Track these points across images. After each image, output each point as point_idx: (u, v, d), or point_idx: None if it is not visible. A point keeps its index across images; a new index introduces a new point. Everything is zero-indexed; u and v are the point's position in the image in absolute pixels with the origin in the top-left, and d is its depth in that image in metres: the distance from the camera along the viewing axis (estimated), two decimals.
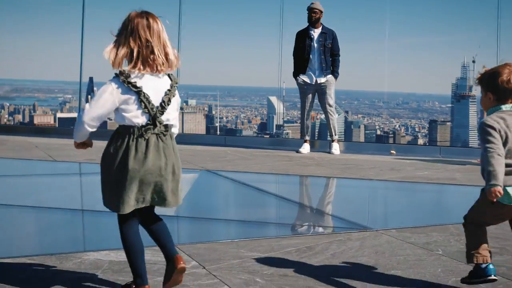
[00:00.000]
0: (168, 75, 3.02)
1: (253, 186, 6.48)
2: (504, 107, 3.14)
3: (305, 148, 9.05)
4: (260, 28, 15.98)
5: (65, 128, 11.64)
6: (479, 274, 3.20)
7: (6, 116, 16.57)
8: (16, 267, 3.55)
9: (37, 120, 16.23)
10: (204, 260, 3.84)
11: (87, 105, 2.90)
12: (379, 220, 5.54)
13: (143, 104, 2.88)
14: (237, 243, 4.26)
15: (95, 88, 15.52)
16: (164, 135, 2.96)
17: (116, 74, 2.90)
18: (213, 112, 15.82)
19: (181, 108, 14.48)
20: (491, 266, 3.18)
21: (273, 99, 14.60)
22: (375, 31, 16.15)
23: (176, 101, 3.04)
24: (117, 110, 2.91)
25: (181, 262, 3.05)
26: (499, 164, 2.98)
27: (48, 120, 16.07)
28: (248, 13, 16.14)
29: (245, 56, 16.83)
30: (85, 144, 3.08)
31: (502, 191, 2.97)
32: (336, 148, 9.07)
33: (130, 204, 2.92)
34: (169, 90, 2.98)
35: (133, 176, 2.88)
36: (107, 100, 2.87)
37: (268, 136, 13.86)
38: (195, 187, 6.62)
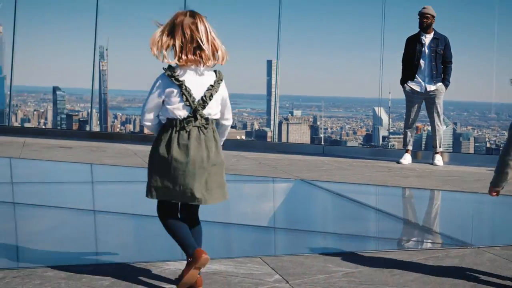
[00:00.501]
0: (215, 72, 3.14)
1: (347, 197, 6.21)
2: None
3: (406, 158, 8.64)
4: (362, 38, 15.51)
5: None
6: None
7: (119, 125, 17.05)
8: (99, 273, 3.51)
9: (147, 130, 16.66)
10: (288, 274, 3.66)
11: (143, 108, 3.14)
12: (482, 237, 5.12)
13: (184, 97, 3.04)
14: (325, 257, 4.04)
15: None
16: (205, 128, 3.09)
17: (164, 69, 3.09)
18: (318, 123, 15.61)
19: (286, 119, 14.46)
20: None
21: (379, 110, 14.22)
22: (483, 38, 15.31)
23: (220, 96, 3.15)
24: (163, 104, 3.09)
25: (204, 254, 3.10)
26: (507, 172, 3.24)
27: None
28: (350, 22, 15.72)
29: (348, 66, 16.42)
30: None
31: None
32: (439, 159, 8.60)
33: (177, 196, 3.07)
34: (211, 85, 3.10)
35: (176, 167, 3.03)
36: (154, 94, 3.09)
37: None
38: (288, 197, 6.46)
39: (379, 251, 4.32)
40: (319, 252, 4.17)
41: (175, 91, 3.06)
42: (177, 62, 3.04)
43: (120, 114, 16.74)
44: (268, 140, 13.13)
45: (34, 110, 16.63)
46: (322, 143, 14.47)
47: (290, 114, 14.74)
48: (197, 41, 3.01)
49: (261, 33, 15.74)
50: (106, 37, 15.18)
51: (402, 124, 9.47)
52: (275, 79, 13.00)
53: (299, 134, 14.87)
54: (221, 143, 3.28)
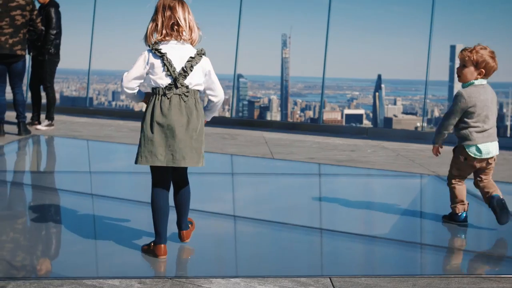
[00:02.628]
0: (203, 52, 3.45)
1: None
2: (477, 81, 4.12)
3: None
4: None
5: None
6: (456, 219, 4.31)
7: (298, 112, 16.97)
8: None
9: (325, 117, 16.44)
10: None
11: (125, 73, 3.41)
12: None
13: (166, 68, 3.35)
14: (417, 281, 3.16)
15: (382, 85, 15.33)
16: (186, 96, 3.35)
17: (148, 45, 3.42)
18: (504, 110, 14.02)
19: None
20: (465, 215, 4.29)
21: None
22: None
23: (200, 68, 3.42)
24: (147, 75, 3.39)
25: (185, 239, 3.69)
26: (443, 133, 4.25)
27: (336, 116, 16.14)
28: None
29: None
30: (146, 100, 3.50)
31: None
32: None
33: (160, 159, 3.33)
34: (192, 57, 3.39)
35: (159, 130, 3.32)
36: (140, 65, 3.38)
37: None
38: (412, 196, 5.47)
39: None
40: (412, 274, 3.29)
41: (158, 62, 3.36)
42: (158, 37, 3.39)
43: (300, 101, 16.71)
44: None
45: None
46: (508, 133, 12.92)
47: None
48: (175, 18, 3.38)
49: (445, 17, 14.56)
50: (289, 26, 15.19)
51: None
52: None
53: None
54: (209, 118, 3.60)
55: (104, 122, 9.77)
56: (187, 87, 3.36)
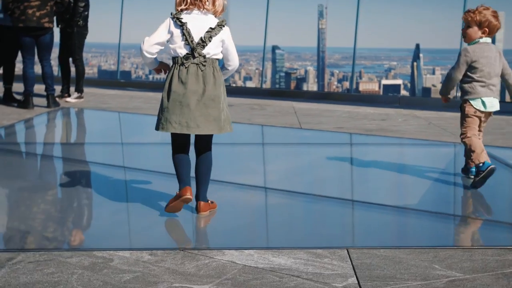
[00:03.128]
0: (223, 23, 3.47)
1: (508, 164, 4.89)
2: (482, 40, 4.32)
3: None
4: None
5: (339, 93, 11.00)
6: (482, 169, 4.18)
7: (335, 83, 16.88)
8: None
9: (362, 87, 16.32)
10: (368, 278, 2.77)
11: (146, 37, 3.45)
12: None
13: (185, 37, 3.40)
14: (436, 252, 3.03)
15: (421, 54, 15.07)
16: (203, 65, 3.41)
17: (171, 13, 3.46)
18: None
19: None
20: (488, 162, 4.20)
21: None
22: None
23: (219, 38, 3.46)
24: (168, 43, 3.45)
25: (201, 211, 3.63)
26: (450, 87, 4.50)
27: (373, 86, 16.00)
28: None
29: None
30: (161, 70, 3.64)
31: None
32: None
33: (174, 127, 3.40)
34: (211, 28, 3.43)
35: (175, 98, 3.40)
36: (162, 31, 3.44)
37: None
38: (448, 163, 5.27)
39: None
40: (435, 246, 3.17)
41: (178, 31, 3.41)
42: (182, 6, 3.45)
43: (337, 72, 16.60)
44: None
45: (256, 69, 17.05)
46: None
47: None
48: None
49: None
50: None
51: None
52: None
53: None
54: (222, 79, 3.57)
55: (134, 94, 9.75)
56: (204, 56, 3.41)
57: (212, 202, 3.72)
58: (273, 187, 4.37)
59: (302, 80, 16.37)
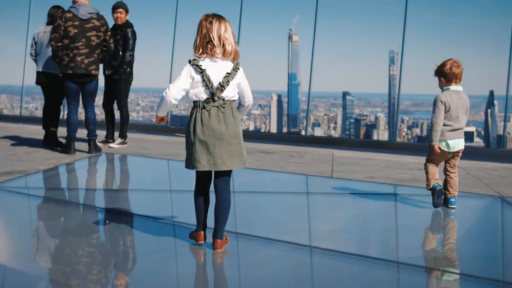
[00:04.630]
0: (234, 63, 3.78)
1: None
2: (451, 87, 5.06)
3: None
4: None
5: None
6: (432, 192, 5.06)
7: (405, 129, 16.63)
8: None
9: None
10: None
11: (170, 84, 3.71)
12: None
13: (205, 83, 3.68)
14: None
15: (495, 101, 14.66)
16: (223, 107, 3.71)
17: (189, 60, 3.74)
18: None
19: None
20: (438, 185, 5.06)
21: None
22: None
23: (236, 82, 3.77)
24: (189, 90, 3.72)
25: (217, 248, 3.83)
26: (439, 131, 4.99)
27: None
28: None
29: None
30: (163, 120, 3.94)
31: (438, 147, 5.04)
32: None
33: (203, 165, 3.69)
34: (228, 73, 3.73)
35: (201, 139, 3.68)
36: (184, 77, 3.70)
37: None
38: (470, 217, 4.96)
39: None
40: None
41: (199, 77, 3.69)
42: (196, 54, 3.73)
43: (407, 118, 16.36)
44: None
45: (324, 115, 17.08)
46: None
47: None
48: (210, 37, 3.69)
49: None
50: (397, 42, 14.91)
51: None
52: None
53: None
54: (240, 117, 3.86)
55: (180, 140, 9.81)
56: (223, 99, 3.71)
57: (225, 238, 3.93)
58: (275, 238, 4.21)
59: (372, 126, 16.18)
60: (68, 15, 7.65)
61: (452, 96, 4.99)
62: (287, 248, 3.96)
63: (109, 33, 7.90)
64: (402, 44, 12.05)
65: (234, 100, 3.80)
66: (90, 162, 7.50)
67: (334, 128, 16.86)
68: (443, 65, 5.03)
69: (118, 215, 4.79)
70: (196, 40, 3.73)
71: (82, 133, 8.53)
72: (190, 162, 3.76)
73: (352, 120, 16.16)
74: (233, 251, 3.96)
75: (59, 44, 7.61)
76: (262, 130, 16.60)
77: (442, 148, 5.01)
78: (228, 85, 3.71)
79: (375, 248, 4.12)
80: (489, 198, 5.54)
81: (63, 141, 8.21)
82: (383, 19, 15.85)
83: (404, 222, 4.96)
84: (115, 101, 8.82)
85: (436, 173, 5.12)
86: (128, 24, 8.65)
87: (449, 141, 5.01)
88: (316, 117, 16.65)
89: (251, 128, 16.68)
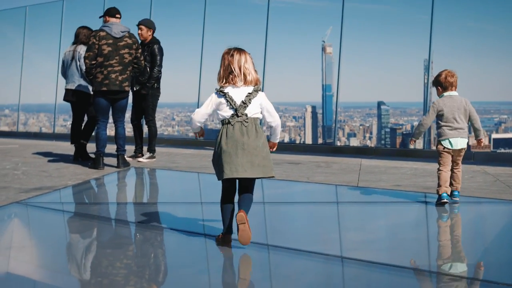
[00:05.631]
0: (259, 88, 4.19)
1: None
2: (445, 93, 5.63)
3: None
4: None
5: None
6: (438, 198, 5.48)
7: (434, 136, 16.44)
8: None
9: (470, 141, 15.79)
10: None
11: (196, 109, 4.24)
12: None
13: (228, 102, 4.10)
14: None
15: None
16: (246, 122, 4.08)
17: (216, 88, 4.20)
18: None
19: None
20: (445, 194, 5.46)
21: None
22: None
23: (258, 101, 4.15)
24: (216, 111, 4.18)
25: (240, 213, 3.97)
26: (421, 130, 5.71)
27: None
28: None
29: None
30: (200, 133, 4.42)
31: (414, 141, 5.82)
32: None
33: (226, 173, 4.00)
34: (249, 93, 4.13)
35: (225, 150, 4.03)
36: (208, 104, 4.20)
37: None
38: (496, 222, 4.83)
39: None
40: None
41: (223, 99, 4.13)
42: (220, 83, 4.17)
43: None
44: None
45: (360, 125, 17.03)
46: None
47: None
48: (231, 68, 4.12)
49: None
50: (432, 50, 14.84)
51: None
52: None
53: None
54: (277, 140, 4.31)
55: (208, 153, 9.86)
56: (246, 115, 4.09)
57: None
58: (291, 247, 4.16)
59: (408, 135, 16.02)
60: (101, 33, 7.81)
61: (445, 100, 5.55)
62: (319, 260, 3.89)
63: (140, 50, 8.04)
64: (429, 52, 11.93)
65: (257, 118, 4.14)
66: (119, 177, 7.57)
67: (370, 138, 16.75)
68: (439, 75, 5.62)
69: (148, 229, 4.79)
70: (220, 72, 4.17)
71: (110, 148, 8.63)
72: (217, 173, 4.10)
73: (388, 130, 16.03)
74: (265, 263, 3.93)
75: (93, 62, 7.77)
76: (297, 142, 16.61)
77: (446, 146, 5.51)
78: (250, 102, 4.10)
79: (407, 258, 4.03)
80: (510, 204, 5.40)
81: (93, 155, 8.33)
82: (415, 28, 15.76)
83: (433, 231, 4.85)
84: (143, 116, 8.93)
85: (448, 179, 5.50)
86: (155, 41, 8.77)
87: (451, 139, 5.50)
88: (351, 127, 16.58)
89: (286, 139, 16.68)
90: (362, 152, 10.21)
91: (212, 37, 13.01)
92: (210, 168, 7.83)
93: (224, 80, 4.14)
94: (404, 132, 15.89)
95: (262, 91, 4.18)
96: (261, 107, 4.16)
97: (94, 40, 7.78)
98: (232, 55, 4.14)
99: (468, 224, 4.96)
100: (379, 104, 16.14)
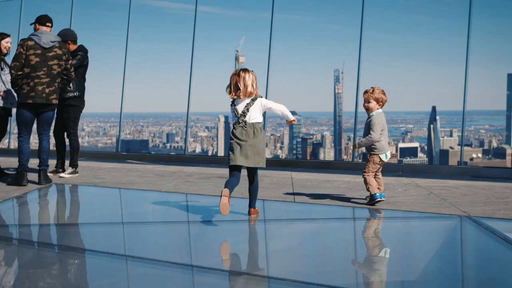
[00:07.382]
0: (256, 97, 5.49)
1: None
2: (380, 110, 6.24)
3: None
4: None
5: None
6: (374, 198, 6.15)
7: (351, 147, 16.76)
8: None
9: None
10: None
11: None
12: None
13: (234, 112, 5.44)
14: None
15: (437, 117, 14.92)
16: (246, 127, 5.38)
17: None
18: None
19: None
20: (378, 194, 6.17)
21: None
22: None
23: (257, 107, 5.44)
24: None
25: (251, 213, 5.63)
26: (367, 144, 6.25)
27: (390, 150, 15.80)
28: None
29: None
30: None
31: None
32: None
33: (236, 160, 5.35)
34: (248, 103, 5.42)
35: (233, 145, 5.37)
36: (232, 111, 5.50)
37: None
38: (440, 238, 4.91)
39: None
40: None
41: (232, 109, 5.46)
42: (230, 96, 5.46)
43: (352, 136, 16.47)
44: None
45: (271, 135, 17.04)
46: None
47: None
48: (237, 84, 5.39)
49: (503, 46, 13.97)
50: (342, 61, 15.08)
51: None
52: None
53: None
54: (291, 117, 5.60)
55: (132, 167, 9.58)
56: (245, 122, 5.39)
57: (257, 211, 5.69)
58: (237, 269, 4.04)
59: (319, 145, 16.24)
60: (30, 43, 7.40)
61: (381, 117, 6.20)
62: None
63: (70, 61, 7.67)
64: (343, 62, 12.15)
65: (256, 122, 5.41)
66: (40, 194, 7.16)
67: (281, 148, 16.85)
68: (375, 92, 6.19)
69: (70, 251, 4.50)
70: (230, 87, 5.41)
71: (32, 163, 8.17)
72: (229, 160, 5.38)
73: (299, 140, 16.20)
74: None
75: (19, 72, 7.35)
76: (209, 153, 16.47)
77: (382, 159, 6.21)
78: (248, 111, 5.40)
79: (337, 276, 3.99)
80: (456, 218, 5.51)
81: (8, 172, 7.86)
82: (327, 38, 16.04)
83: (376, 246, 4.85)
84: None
85: (376, 183, 6.22)
86: (79, 49, 8.39)
87: (387, 153, 6.23)
88: None
89: (198, 150, 16.53)
90: (286, 165, 10.20)
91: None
92: (137, 184, 7.59)
93: (234, 94, 5.40)
94: (315, 142, 16.12)
95: (261, 97, 5.42)
96: (263, 108, 5.44)
97: (22, 50, 7.36)
98: (239, 75, 5.40)
99: (410, 239, 5.00)
100: (291, 113, 16.17)
